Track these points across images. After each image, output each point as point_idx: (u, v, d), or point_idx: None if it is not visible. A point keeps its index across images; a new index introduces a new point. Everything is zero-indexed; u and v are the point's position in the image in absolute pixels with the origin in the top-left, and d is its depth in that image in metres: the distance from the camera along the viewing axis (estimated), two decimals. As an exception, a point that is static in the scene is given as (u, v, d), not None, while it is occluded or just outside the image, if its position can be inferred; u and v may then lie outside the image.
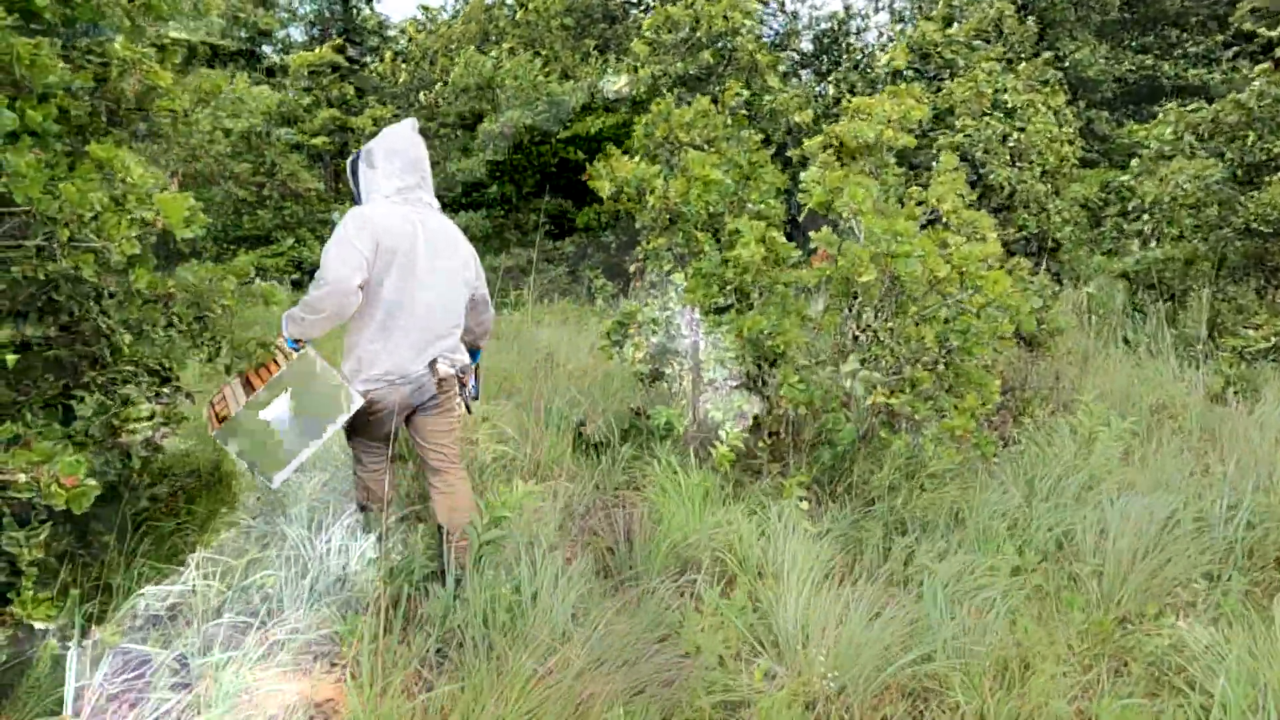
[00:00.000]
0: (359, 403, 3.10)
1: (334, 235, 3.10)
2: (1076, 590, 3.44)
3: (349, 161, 3.43)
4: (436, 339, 3.29)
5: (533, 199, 11.04)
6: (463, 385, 3.54)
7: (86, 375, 2.94)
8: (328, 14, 16.65)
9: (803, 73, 18.41)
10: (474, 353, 3.86)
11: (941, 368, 4.25)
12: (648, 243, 4.58)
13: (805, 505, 3.87)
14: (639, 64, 9.79)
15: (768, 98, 10.14)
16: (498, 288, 10.47)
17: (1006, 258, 5.93)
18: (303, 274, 10.71)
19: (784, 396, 4.00)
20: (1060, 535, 3.82)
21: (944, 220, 4.25)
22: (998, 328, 4.10)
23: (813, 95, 13.35)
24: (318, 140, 11.51)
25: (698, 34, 9.49)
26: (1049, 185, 7.16)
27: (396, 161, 3.28)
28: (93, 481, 2.36)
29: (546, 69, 12.09)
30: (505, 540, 3.26)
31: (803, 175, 4.38)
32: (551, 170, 11.32)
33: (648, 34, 9.87)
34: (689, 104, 5.06)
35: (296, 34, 17.97)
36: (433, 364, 3.29)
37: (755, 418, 4.53)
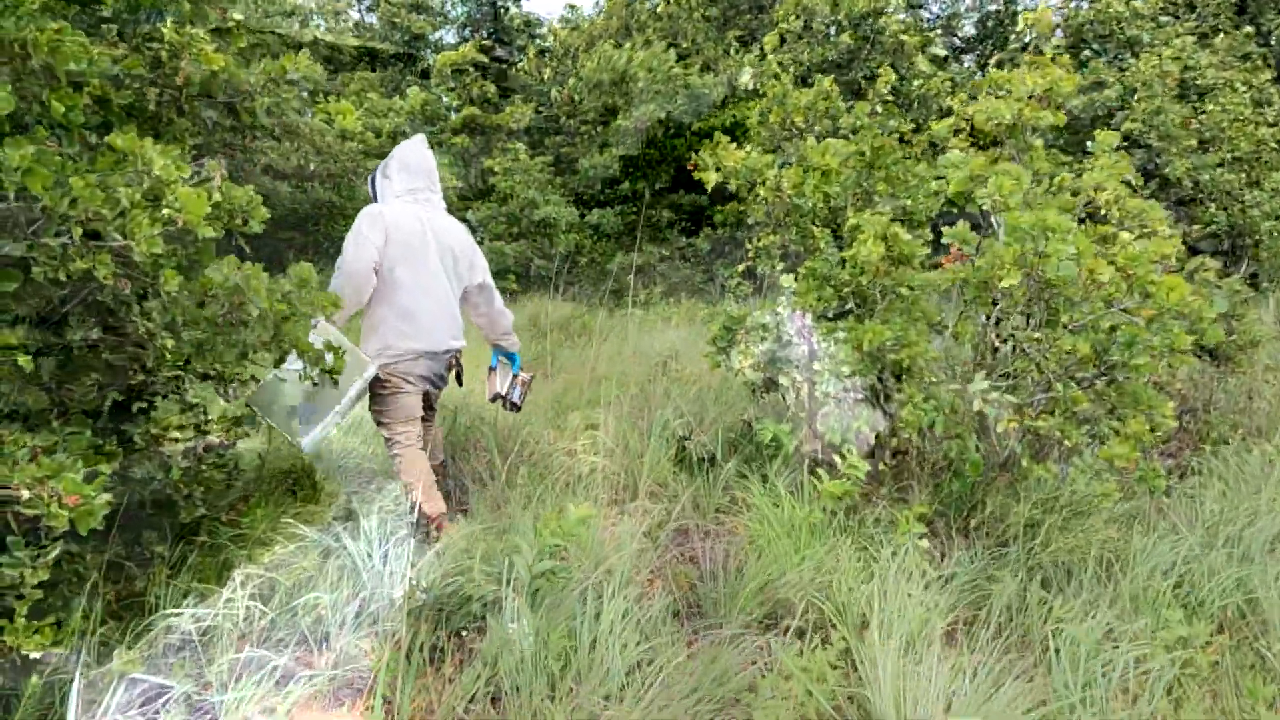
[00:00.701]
0: (374, 369, 3.45)
1: (351, 232, 3.53)
2: (1263, 675, 2.77)
3: (369, 176, 3.89)
4: (453, 320, 3.85)
5: (666, 195, 10.73)
6: (460, 369, 4.14)
7: (135, 380, 2.84)
8: (477, 15, 16.95)
9: (965, 58, 17.24)
10: (511, 357, 4.45)
11: (1101, 385, 3.60)
12: (758, 240, 4.14)
13: (925, 543, 3.35)
14: (767, 53, 9.28)
15: (916, 82, 9.39)
16: (622, 286, 10.25)
17: (1188, 257, 5.09)
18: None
19: (905, 420, 3.48)
20: (1244, 599, 3.12)
21: (1104, 213, 3.59)
22: (1173, 339, 3.41)
23: (969, 80, 12.37)
24: (458, 139, 11.64)
25: (837, 16, 8.89)
26: (1243, 174, 6.16)
27: (409, 170, 3.79)
28: (105, 497, 2.20)
29: (685, 62, 11.74)
30: (566, 572, 2.93)
31: (940, 160, 3.82)
32: (686, 165, 11.00)
33: (781, 24, 9.35)
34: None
35: (450, 37, 18.44)
36: (449, 353, 3.85)
37: (878, 436, 4.02)
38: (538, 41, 17.39)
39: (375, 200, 3.80)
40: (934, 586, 3.17)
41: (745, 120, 10.76)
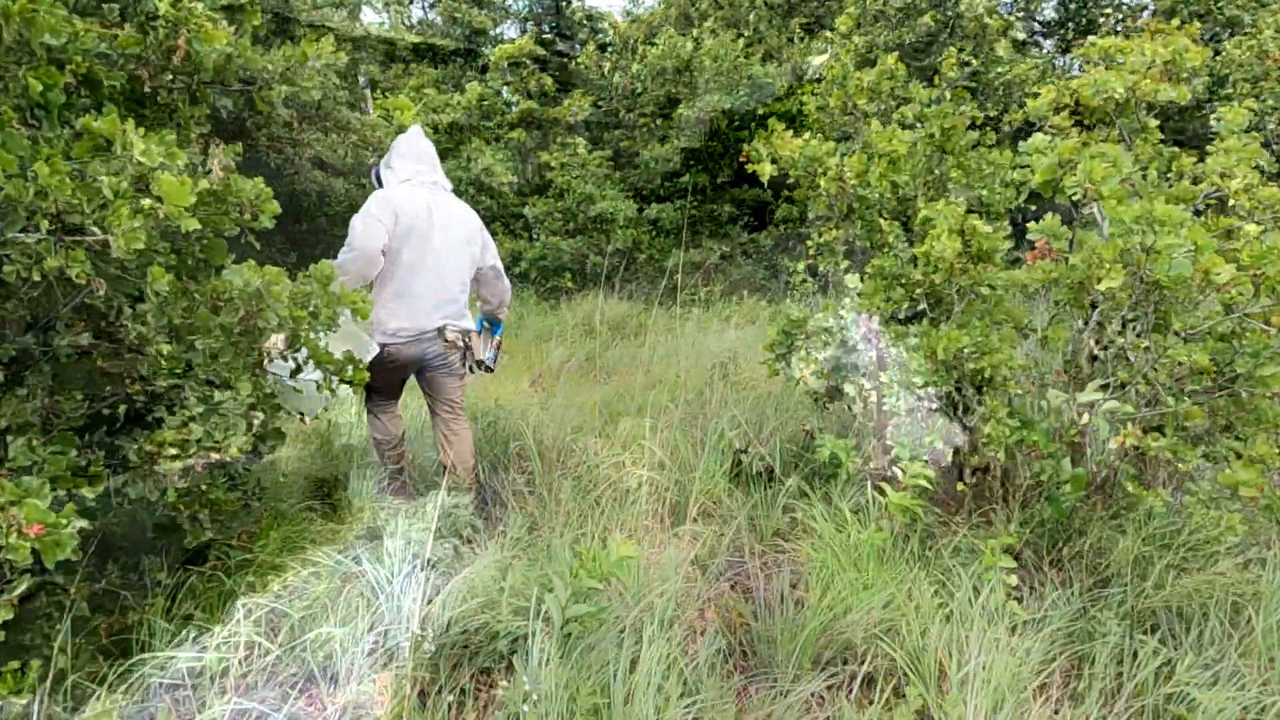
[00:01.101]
0: (375, 350, 3.60)
1: (360, 211, 3.64)
2: None
3: (372, 173, 3.97)
4: (446, 302, 3.84)
5: (728, 189, 10.32)
6: (468, 349, 4.07)
7: (133, 390, 2.60)
8: (539, 10, 16.74)
9: (1045, 43, 16.37)
10: (495, 324, 4.49)
11: (1220, 400, 3.13)
12: (819, 235, 3.76)
13: (1012, 579, 2.93)
14: (840, 37, 8.80)
15: (997, 69, 8.81)
16: (680, 284, 9.88)
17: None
18: (495, 269, 10.61)
19: (989, 438, 3.05)
20: (1406, 659, 2.62)
21: (1231, 204, 3.09)
22: (1307, 349, 2.92)
23: (1049, 68, 11.66)
24: (515, 134, 11.41)
25: (914, -2, 8.38)
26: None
27: (409, 157, 3.89)
28: (77, 525, 1.95)
29: (748, 51, 11.31)
30: (602, 615, 2.60)
31: (1022, 146, 3.37)
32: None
33: (852, 7, 8.86)
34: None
35: (512, 31, 18.27)
36: (441, 330, 3.85)
37: (955, 451, 3.60)
38: (599, 36, 17.11)
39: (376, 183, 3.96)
40: (1024, 631, 2.75)
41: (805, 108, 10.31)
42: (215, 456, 2.73)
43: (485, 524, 3.81)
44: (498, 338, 4.58)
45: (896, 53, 4.51)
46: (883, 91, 3.81)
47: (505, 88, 11.92)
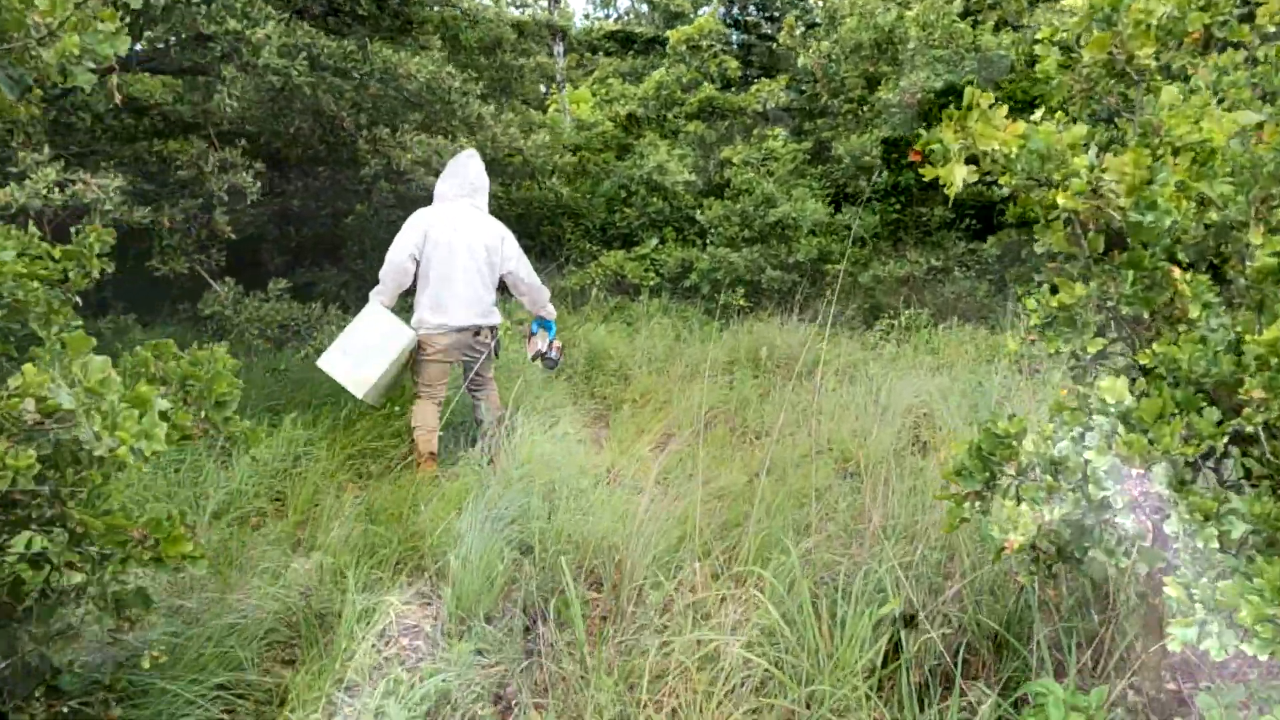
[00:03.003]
0: (413, 335, 4.59)
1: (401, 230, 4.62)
2: None
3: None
4: (473, 302, 4.68)
5: (941, 186, 8.38)
6: (496, 341, 4.97)
7: None
8: (738, -11, 15.24)
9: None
10: (547, 324, 5.23)
11: None
12: (1047, 295, 2.13)
13: None
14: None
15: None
16: (878, 305, 8.08)
17: None
18: (662, 280, 9.32)
19: None
20: None
21: None
22: None
23: None
24: (691, 126, 10.04)
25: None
26: None
27: (449, 177, 4.83)
28: None
29: (976, 18, 9.26)
30: None
31: None
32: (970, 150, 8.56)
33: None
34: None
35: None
36: (470, 327, 4.72)
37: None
38: (807, 15, 15.35)
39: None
40: None
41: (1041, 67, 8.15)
42: None
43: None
44: (553, 339, 5.22)
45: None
46: (1186, 31, 2.07)
47: (685, 73, 10.55)
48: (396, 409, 5.31)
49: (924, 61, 8.04)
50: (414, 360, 4.71)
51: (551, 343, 5.19)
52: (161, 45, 5.01)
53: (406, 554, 3.78)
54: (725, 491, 4.46)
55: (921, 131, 7.39)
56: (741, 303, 8.28)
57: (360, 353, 4.48)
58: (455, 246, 4.55)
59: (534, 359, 5.27)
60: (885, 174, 7.77)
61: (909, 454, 5.05)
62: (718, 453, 5.09)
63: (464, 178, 4.72)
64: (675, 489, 4.40)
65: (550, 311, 5.20)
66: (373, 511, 4.11)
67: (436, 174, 6.90)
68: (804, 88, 11.97)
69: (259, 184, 4.91)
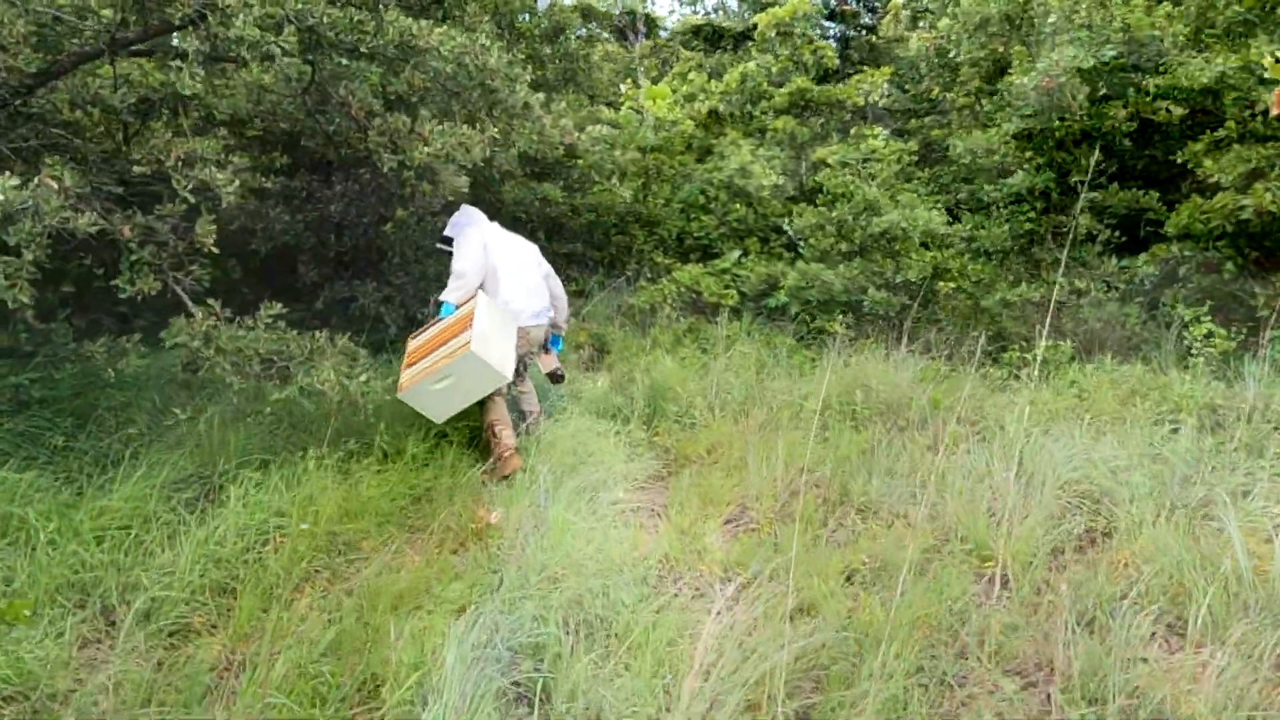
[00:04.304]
0: (515, 323, 4.87)
1: (464, 246, 4.91)
2: None
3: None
4: (538, 305, 5.09)
5: (1086, 190, 6.92)
6: (546, 339, 5.32)
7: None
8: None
9: None
10: (556, 340, 5.49)
11: None
12: None
13: None
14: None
15: None
16: (1006, 334, 6.66)
17: None
18: (743, 298, 8.08)
19: None
20: None
21: None
22: None
23: None
24: (780, 122, 8.78)
25: None
26: None
27: (471, 213, 5.21)
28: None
29: (1126, -11, 7.75)
30: None
31: None
32: (1123, 145, 7.07)
33: None
34: None
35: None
36: (533, 327, 5.06)
37: None
38: (913, 3, 13.89)
39: (448, 234, 5.08)
40: None
41: (1235, 76, 6.62)
42: None
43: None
44: (556, 352, 5.43)
45: None
46: None
47: (773, 63, 9.30)
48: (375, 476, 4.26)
49: (1065, 41, 6.62)
50: None
51: (554, 356, 5.43)
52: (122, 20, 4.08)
53: (361, 709, 2.68)
54: (819, 605, 3.23)
55: (1067, 123, 5.98)
56: (838, 328, 6.98)
57: (502, 335, 4.57)
58: (517, 253, 5.06)
59: (547, 374, 5.38)
60: (1019, 174, 6.38)
61: (1073, 552, 3.73)
62: (809, 540, 3.85)
63: (476, 212, 5.19)
64: (751, 602, 3.19)
65: (563, 328, 5.57)
66: (334, 629, 3.04)
67: (462, 169, 5.88)
68: (907, 85, 10.58)
69: (237, 182, 3.90)
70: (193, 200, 3.90)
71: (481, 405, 4.75)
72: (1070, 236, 6.69)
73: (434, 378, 4.32)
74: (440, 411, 4.48)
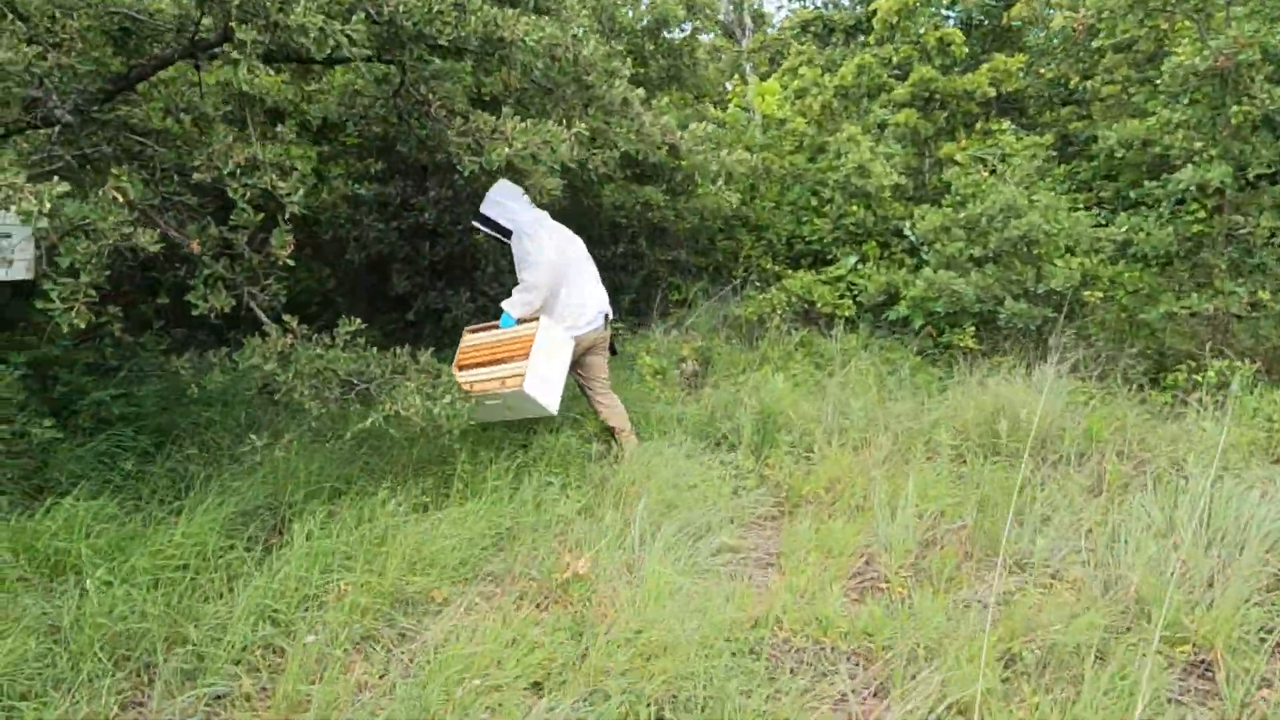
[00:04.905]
0: (572, 343, 4.61)
1: (528, 246, 4.64)
2: None
3: (483, 215, 4.84)
4: (604, 299, 4.89)
5: (1268, 185, 5.97)
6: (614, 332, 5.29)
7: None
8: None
9: None
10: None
11: None
12: None
13: None
14: None
15: None
16: (1167, 353, 5.78)
17: None
18: (860, 309, 7.41)
19: None
20: None
21: None
22: None
23: None
24: (900, 117, 8.04)
25: None
26: None
27: (520, 199, 4.83)
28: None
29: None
30: None
31: None
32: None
33: None
34: None
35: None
36: (605, 317, 4.89)
37: None
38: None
39: (505, 225, 4.73)
40: None
41: None
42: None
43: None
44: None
45: None
46: None
47: (892, 54, 8.55)
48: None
49: (1244, 13, 5.72)
50: (583, 363, 4.86)
51: None
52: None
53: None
54: (972, 707, 2.62)
55: (1245, 107, 5.11)
56: (971, 344, 6.24)
57: (555, 367, 4.43)
58: (580, 249, 4.82)
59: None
60: (1188, 169, 5.52)
61: (1294, 637, 2.99)
62: (951, 607, 3.22)
63: (523, 195, 4.83)
64: (885, 695, 2.61)
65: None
66: (392, 706, 2.61)
67: (554, 170, 5.47)
68: (1042, 72, 9.66)
69: (302, 191, 3.55)
70: (253, 209, 3.56)
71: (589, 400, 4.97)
72: (1249, 239, 5.77)
73: (484, 395, 4.27)
74: (481, 416, 4.44)
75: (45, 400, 5.10)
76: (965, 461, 4.55)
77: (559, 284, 4.62)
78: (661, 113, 4.98)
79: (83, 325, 3.15)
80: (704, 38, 8.56)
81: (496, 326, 4.61)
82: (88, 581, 3.07)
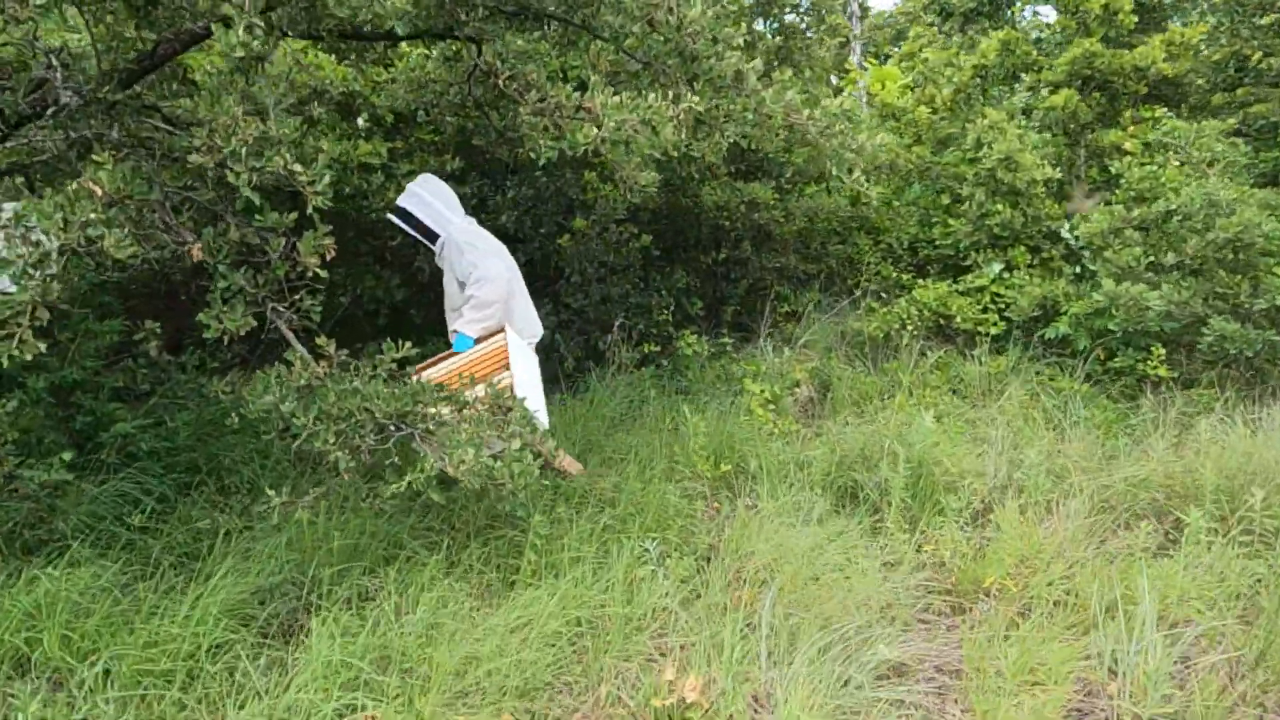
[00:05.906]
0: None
1: (472, 252, 4.17)
2: None
3: (397, 209, 4.27)
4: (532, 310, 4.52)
5: None
6: None
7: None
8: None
9: None
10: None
11: None
12: None
13: None
14: None
15: None
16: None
17: None
18: (1010, 325, 6.27)
19: None
20: None
21: None
22: None
23: None
24: (1058, 98, 6.83)
25: None
26: None
27: (450, 199, 4.35)
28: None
29: None
30: None
31: None
32: None
33: None
34: None
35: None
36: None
37: None
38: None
39: (432, 228, 4.20)
40: None
41: None
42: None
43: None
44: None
45: None
46: None
47: (1045, 29, 7.36)
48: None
49: None
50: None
51: None
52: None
53: None
54: None
55: None
56: (1162, 370, 5.05)
57: (537, 380, 4.27)
58: (513, 260, 4.40)
59: None
60: None
61: None
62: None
63: (454, 197, 4.35)
64: None
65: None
66: None
67: (649, 162, 4.62)
68: (1223, 42, 8.30)
69: (328, 178, 2.71)
70: (255, 198, 2.73)
71: None
72: None
73: None
74: None
75: (66, 431, 4.44)
76: (1196, 538, 3.41)
77: (509, 297, 4.20)
78: (786, 87, 3.99)
79: (28, 357, 2.36)
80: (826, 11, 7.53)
81: (452, 355, 4.09)
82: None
